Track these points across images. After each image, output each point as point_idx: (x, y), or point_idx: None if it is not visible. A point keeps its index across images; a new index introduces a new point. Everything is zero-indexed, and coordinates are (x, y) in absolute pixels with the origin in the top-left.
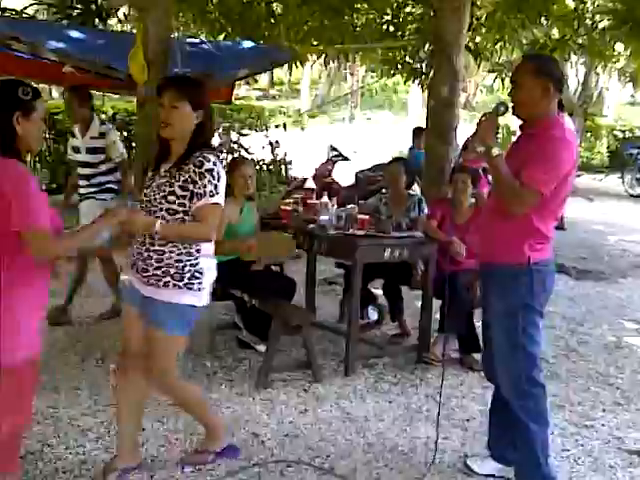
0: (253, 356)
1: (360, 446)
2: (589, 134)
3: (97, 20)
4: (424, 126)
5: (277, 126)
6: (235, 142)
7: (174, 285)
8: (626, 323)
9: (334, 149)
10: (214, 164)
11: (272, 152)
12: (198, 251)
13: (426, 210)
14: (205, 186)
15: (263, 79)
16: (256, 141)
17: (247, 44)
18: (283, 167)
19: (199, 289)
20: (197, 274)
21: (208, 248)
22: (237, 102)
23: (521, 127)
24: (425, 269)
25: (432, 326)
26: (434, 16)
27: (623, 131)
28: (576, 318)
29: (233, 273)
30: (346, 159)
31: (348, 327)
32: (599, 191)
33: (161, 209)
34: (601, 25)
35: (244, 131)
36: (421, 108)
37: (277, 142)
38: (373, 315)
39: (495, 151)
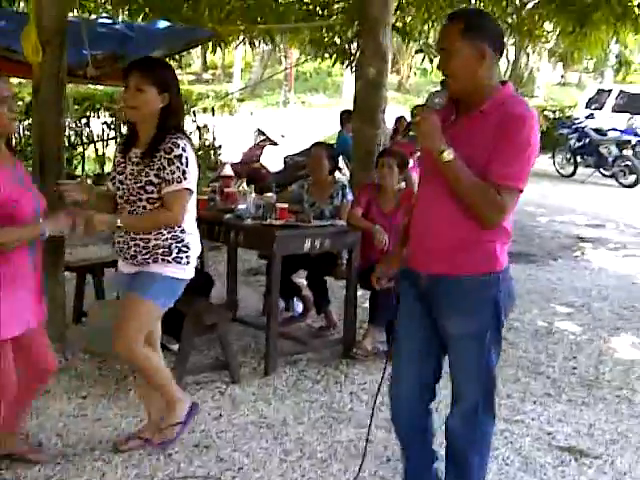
0: (167, 358)
1: (276, 455)
2: None
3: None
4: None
5: (205, 110)
6: None
7: (162, 260)
8: (557, 307)
9: (262, 133)
10: (183, 149)
11: (200, 137)
12: (183, 231)
13: (350, 197)
14: (173, 172)
15: (196, 63)
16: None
17: (162, 24)
18: (212, 152)
19: (187, 262)
20: (184, 249)
21: (192, 225)
22: None
23: (458, 104)
24: (349, 259)
25: (358, 318)
26: None
27: (554, 111)
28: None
29: None
30: (274, 143)
31: (267, 322)
32: (531, 172)
33: (140, 199)
34: (530, 4)
35: None
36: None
37: (205, 126)
38: (298, 307)
39: (448, 155)
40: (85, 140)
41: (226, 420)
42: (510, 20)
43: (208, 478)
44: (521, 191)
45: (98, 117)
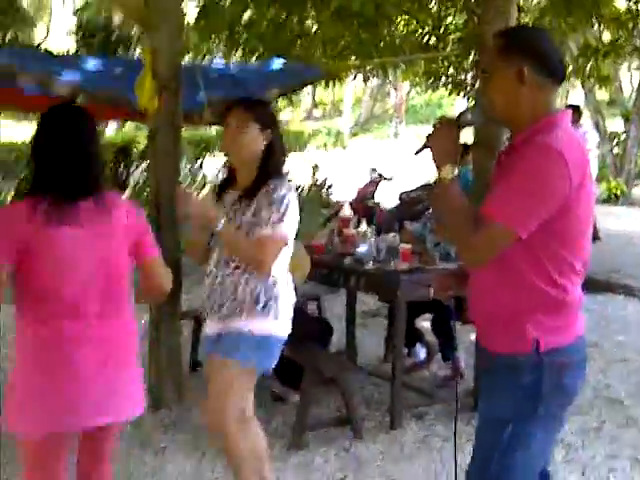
0: (287, 411)
1: None
2: None
3: (119, 49)
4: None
5: (318, 147)
6: None
7: (248, 312)
8: None
9: (375, 170)
10: (286, 193)
11: (312, 175)
12: (274, 284)
13: None
14: (271, 214)
15: (307, 100)
16: (295, 164)
17: (276, 63)
18: (324, 191)
19: (275, 316)
20: (272, 300)
21: (284, 277)
22: None
23: (509, 138)
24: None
25: None
26: (478, 23)
27: None
28: None
29: None
30: (388, 179)
31: (393, 373)
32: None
33: None
34: None
35: None
36: None
37: (316, 165)
38: (421, 354)
39: (447, 171)
40: (199, 182)
41: None
42: (638, 43)
43: None
44: (516, 233)
45: (213, 157)
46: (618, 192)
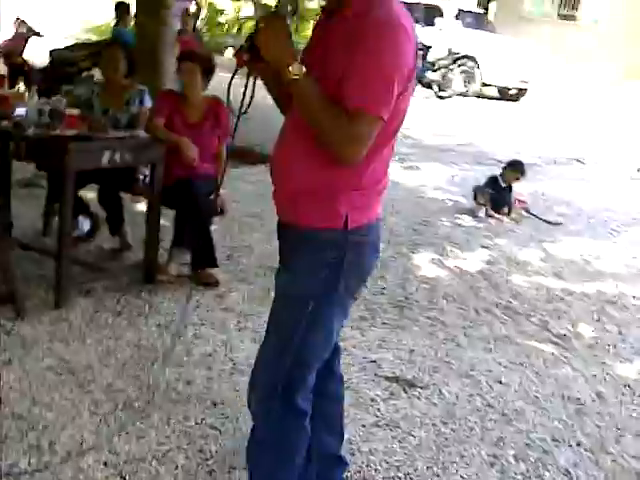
0: None
1: (85, 407)
2: None
3: None
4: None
5: None
6: None
7: None
8: None
9: (24, 22)
10: None
11: None
12: None
13: (149, 104)
14: None
15: None
16: None
17: None
18: None
19: None
20: None
21: None
22: None
23: (324, 8)
24: (152, 174)
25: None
26: None
27: None
28: None
29: None
30: (38, 34)
31: (59, 246)
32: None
33: None
34: None
35: None
36: None
37: None
38: (85, 226)
39: (296, 69)
40: None
41: (18, 367)
42: None
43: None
44: (382, 119)
45: None
46: None
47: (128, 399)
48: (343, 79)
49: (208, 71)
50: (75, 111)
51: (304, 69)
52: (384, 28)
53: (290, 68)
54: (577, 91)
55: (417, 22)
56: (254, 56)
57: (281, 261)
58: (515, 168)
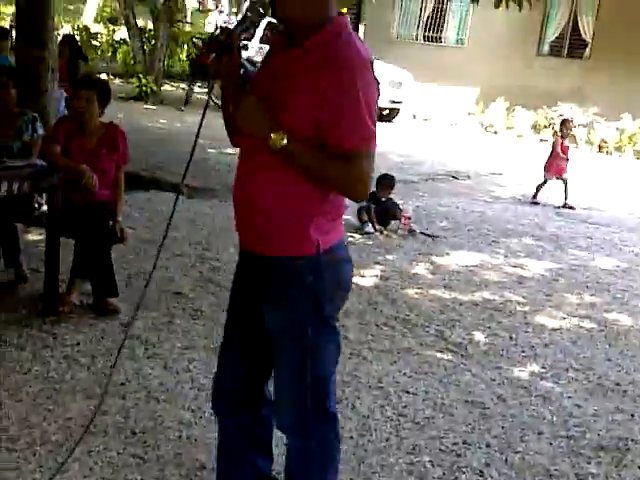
0: None
1: (1, 444)
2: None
3: None
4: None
5: None
6: None
7: None
8: None
9: None
10: None
11: None
12: None
13: (41, 131)
14: None
15: None
16: None
17: None
18: None
19: None
20: None
21: None
22: None
23: (289, 32)
24: (50, 202)
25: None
26: None
27: (202, 39)
28: (202, 242)
29: None
30: None
31: None
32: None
33: None
34: None
35: None
36: None
37: None
38: None
39: (278, 138)
40: None
41: None
42: None
43: None
44: (373, 151)
45: None
46: (149, 90)
47: (45, 434)
48: (329, 123)
49: (105, 97)
50: None
51: (284, 137)
52: (355, 66)
53: (273, 136)
54: (445, 110)
55: None
56: (219, 56)
57: (262, 297)
58: (385, 181)
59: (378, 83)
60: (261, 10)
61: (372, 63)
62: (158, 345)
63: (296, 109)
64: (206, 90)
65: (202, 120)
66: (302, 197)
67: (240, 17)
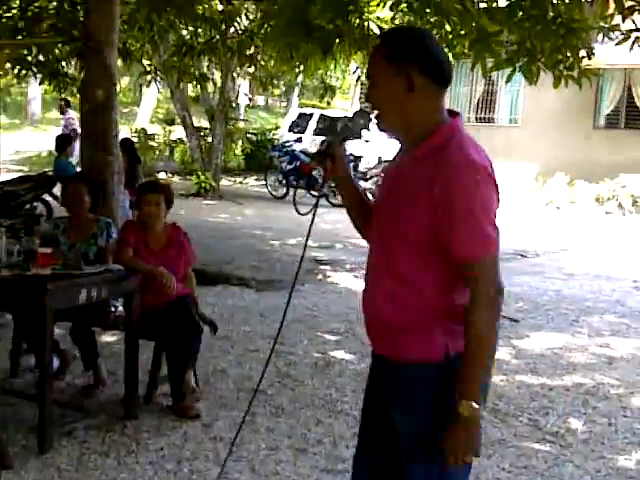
0: None
1: None
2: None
3: None
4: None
5: None
6: None
7: None
8: (325, 335)
9: None
10: None
11: None
12: None
13: (115, 235)
14: None
15: None
16: None
17: None
18: None
19: None
20: None
21: None
22: None
23: (401, 142)
24: (128, 306)
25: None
26: (85, 15)
27: (255, 134)
28: (274, 335)
29: None
30: None
31: (41, 390)
32: (245, 194)
33: None
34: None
35: None
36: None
37: None
38: (54, 364)
39: (469, 407)
40: None
41: None
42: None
43: None
44: (493, 256)
45: None
46: (207, 186)
47: None
48: (445, 235)
49: (169, 200)
50: (48, 250)
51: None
52: (467, 174)
53: (463, 408)
54: (503, 188)
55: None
56: (320, 164)
57: (390, 400)
58: None
59: (496, 186)
60: (362, 121)
61: (491, 165)
62: (242, 446)
63: (412, 220)
64: (261, 183)
65: (312, 220)
66: (430, 308)
67: (340, 127)
